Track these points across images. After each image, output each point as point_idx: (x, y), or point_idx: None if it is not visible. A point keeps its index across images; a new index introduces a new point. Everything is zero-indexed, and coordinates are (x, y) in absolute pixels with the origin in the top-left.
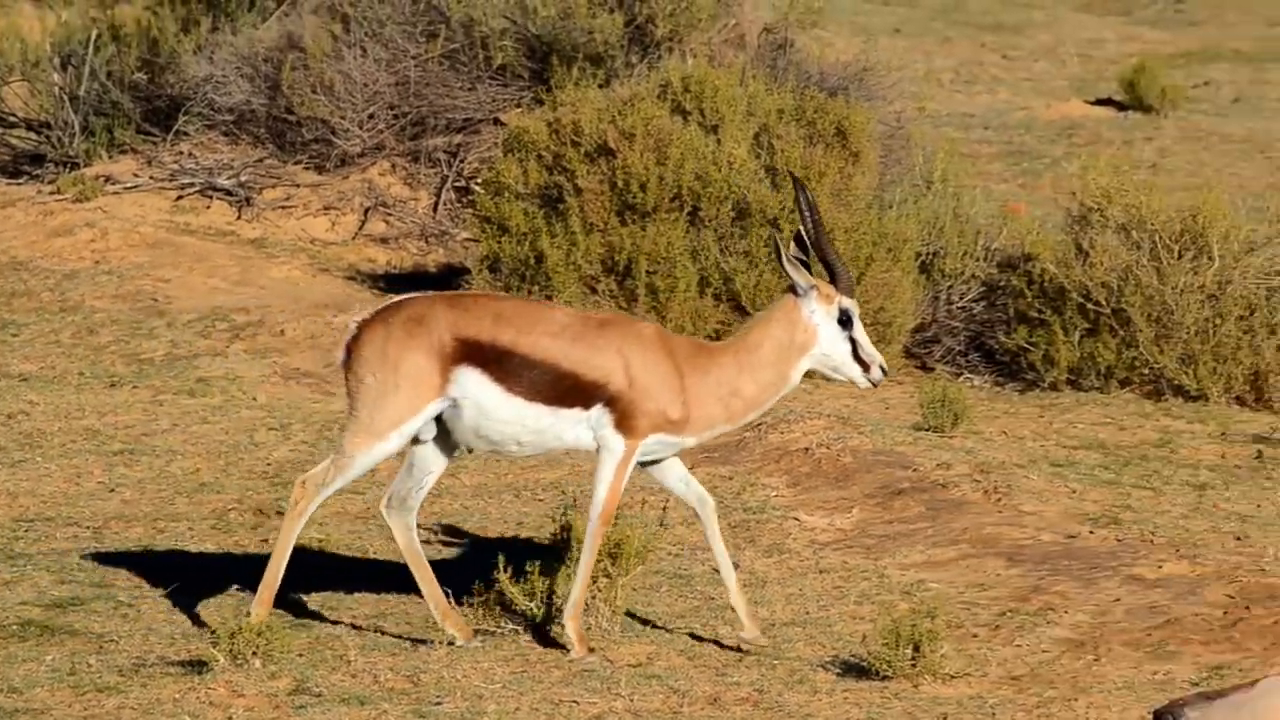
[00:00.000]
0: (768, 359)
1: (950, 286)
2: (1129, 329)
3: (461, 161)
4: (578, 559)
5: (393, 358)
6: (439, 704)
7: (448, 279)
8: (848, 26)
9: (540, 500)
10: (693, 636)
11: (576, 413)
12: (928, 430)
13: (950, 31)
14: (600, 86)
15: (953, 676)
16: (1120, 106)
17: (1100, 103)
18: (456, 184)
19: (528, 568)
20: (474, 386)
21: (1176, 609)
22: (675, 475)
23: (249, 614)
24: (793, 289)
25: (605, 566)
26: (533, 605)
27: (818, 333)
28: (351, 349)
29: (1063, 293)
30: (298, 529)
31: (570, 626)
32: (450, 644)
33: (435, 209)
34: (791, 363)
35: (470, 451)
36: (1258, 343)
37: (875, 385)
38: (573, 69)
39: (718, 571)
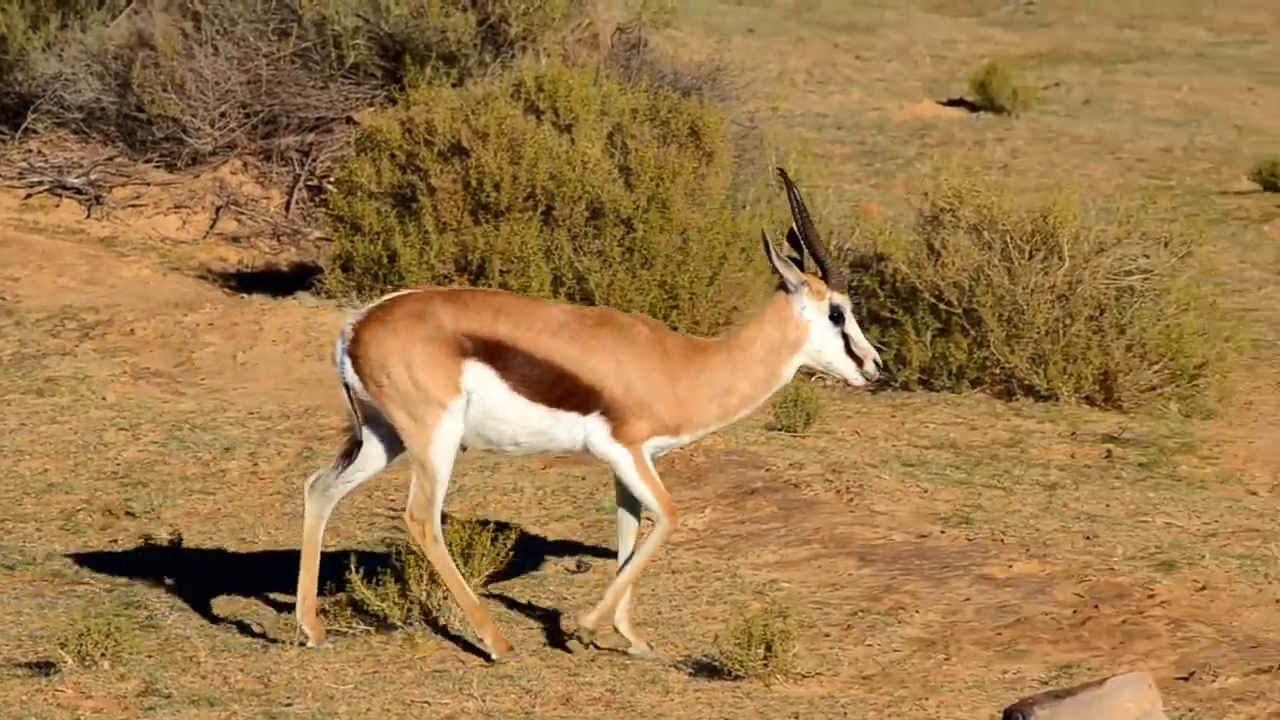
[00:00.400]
0: (760, 356)
1: None
2: (980, 329)
3: (314, 160)
4: (428, 559)
5: (399, 353)
6: (289, 705)
7: (300, 278)
8: (701, 26)
9: (392, 500)
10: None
11: (574, 417)
12: (780, 430)
13: (804, 32)
14: (454, 86)
15: (804, 676)
16: (972, 107)
17: (952, 103)
18: (309, 183)
19: (380, 568)
20: (481, 383)
21: (1026, 608)
22: (631, 508)
23: (482, 641)
24: (784, 286)
25: (457, 566)
26: (385, 606)
27: (810, 329)
28: (354, 355)
29: (914, 293)
30: (444, 553)
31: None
32: (301, 644)
33: (287, 208)
34: (784, 359)
35: (464, 449)
36: (1107, 343)
37: (869, 380)
38: (426, 68)
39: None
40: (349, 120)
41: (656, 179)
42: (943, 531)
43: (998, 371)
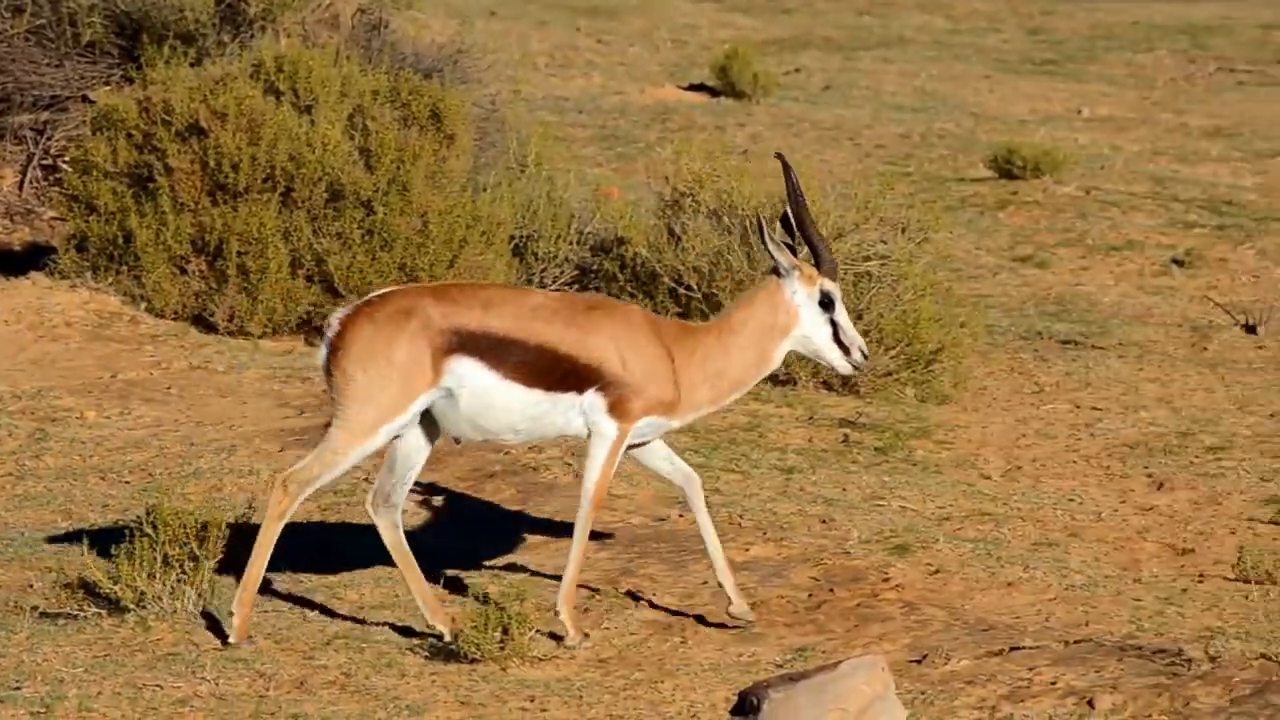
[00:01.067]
0: (750, 339)
1: (544, 269)
2: (719, 313)
3: (48, 139)
4: (165, 542)
5: (383, 352)
6: (18, 689)
7: (34, 258)
8: (443, 8)
9: (127, 483)
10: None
11: (571, 398)
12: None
13: (546, 15)
14: (192, 65)
15: (541, 659)
16: (713, 92)
17: (694, 88)
18: (43, 162)
19: (113, 551)
20: (473, 376)
21: (762, 591)
22: (660, 456)
23: (230, 613)
24: (775, 270)
25: (192, 549)
26: (117, 589)
27: (799, 314)
28: (336, 346)
29: (655, 277)
30: (277, 531)
31: (564, 612)
32: (439, 638)
33: (21, 187)
34: (774, 343)
35: (458, 443)
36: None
37: (856, 369)
38: (164, 47)
39: (705, 549)
40: (85, 99)
41: (397, 161)
42: (680, 515)
43: None
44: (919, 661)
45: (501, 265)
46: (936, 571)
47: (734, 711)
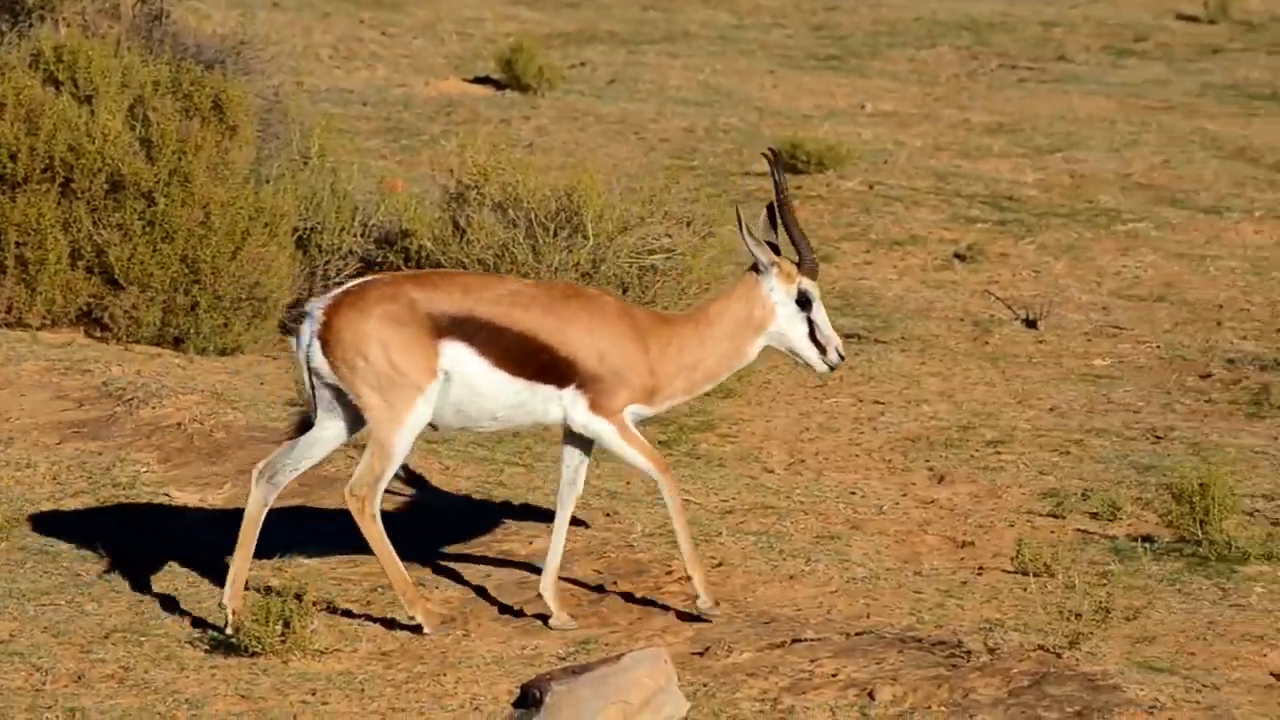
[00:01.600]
0: (726, 333)
1: (328, 262)
2: None
3: None
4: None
5: (377, 335)
6: None
7: None
8: None
9: None
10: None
11: (550, 390)
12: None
13: (329, 7)
14: None
15: (322, 652)
16: (498, 85)
17: (478, 81)
18: None
19: None
20: (462, 361)
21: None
22: (578, 450)
23: (412, 618)
24: (755, 266)
25: None
26: None
27: (775, 311)
28: (326, 339)
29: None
30: (380, 529)
31: (696, 577)
32: (225, 627)
33: None
34: (748, 339)
35: (434, 429)
36: None
37: (832, 369)
38: None
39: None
40: None
41: (178, 152)
42: (467, 506)
43: None
44: (701, 654)
45: (285, 258)
46: (719, 564)
47: (516, 704)
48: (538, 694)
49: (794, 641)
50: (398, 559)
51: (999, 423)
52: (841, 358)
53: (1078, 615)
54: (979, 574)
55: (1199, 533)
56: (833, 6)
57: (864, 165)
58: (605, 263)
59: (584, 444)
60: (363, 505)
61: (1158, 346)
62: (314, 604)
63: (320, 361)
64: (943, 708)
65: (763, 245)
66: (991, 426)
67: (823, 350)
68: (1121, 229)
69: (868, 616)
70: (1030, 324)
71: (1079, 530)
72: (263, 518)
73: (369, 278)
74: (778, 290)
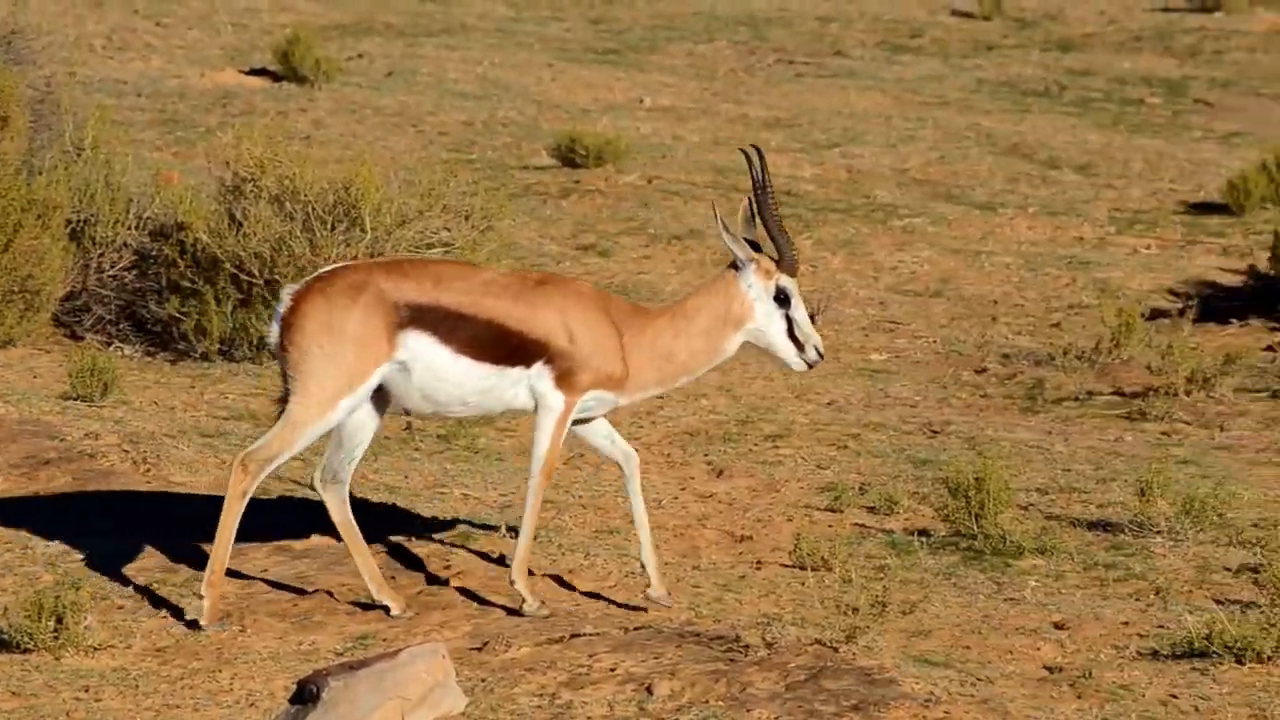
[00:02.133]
0: (702, 328)
1: (102, 254)
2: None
3: None
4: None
5: (337, 325)
6: None
7: None
8: None
9: None
10: None
11: (519, 372)
12: (76, 400)
13: None
14: None
15: (96, 648)
16: (275, 77)
17: (255, 72)
18: None
19: None
20: (423, 349)
21: (323, 579)
22: (601, 434)
23: (199, 595)
24: (734, 263)
25: None
26: None
27: (753, 307)
28: (289, 321)
29: (216, 263)
30: (240, 510)
31: (519, 582)
32: (388, 611)
33: None
34: (725, 334)
35: (408, 414)
36: None
37: (810, 366)
38: None
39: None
40: None
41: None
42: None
43: None
44: (480, 649)
45: (58, 250)
46: (498, 558)
47: (293, 700)
48: (314, 690)
49: (573, 636)
50: (230, 544)
51: (777, 417)
52: (820, 355)
53: (855, 609)
54: (757, 568)
55: (974, 527)
56: (611, 0)
57: (643, 159)
58: (384, 256)
59: (599, 424)
60: (242, 479)
61: (934, 341)
62: (89, 599)
63: (275, 341)
64: (720, 702)
65: (740, 241)
66: (770, 421)
67: (801, 347)
68: (898, 224)
69: (646, 611)
70: (809, 318)
71: (856, 524)
72: (350, 515)
73: (343, 263)
74: (756, 287)
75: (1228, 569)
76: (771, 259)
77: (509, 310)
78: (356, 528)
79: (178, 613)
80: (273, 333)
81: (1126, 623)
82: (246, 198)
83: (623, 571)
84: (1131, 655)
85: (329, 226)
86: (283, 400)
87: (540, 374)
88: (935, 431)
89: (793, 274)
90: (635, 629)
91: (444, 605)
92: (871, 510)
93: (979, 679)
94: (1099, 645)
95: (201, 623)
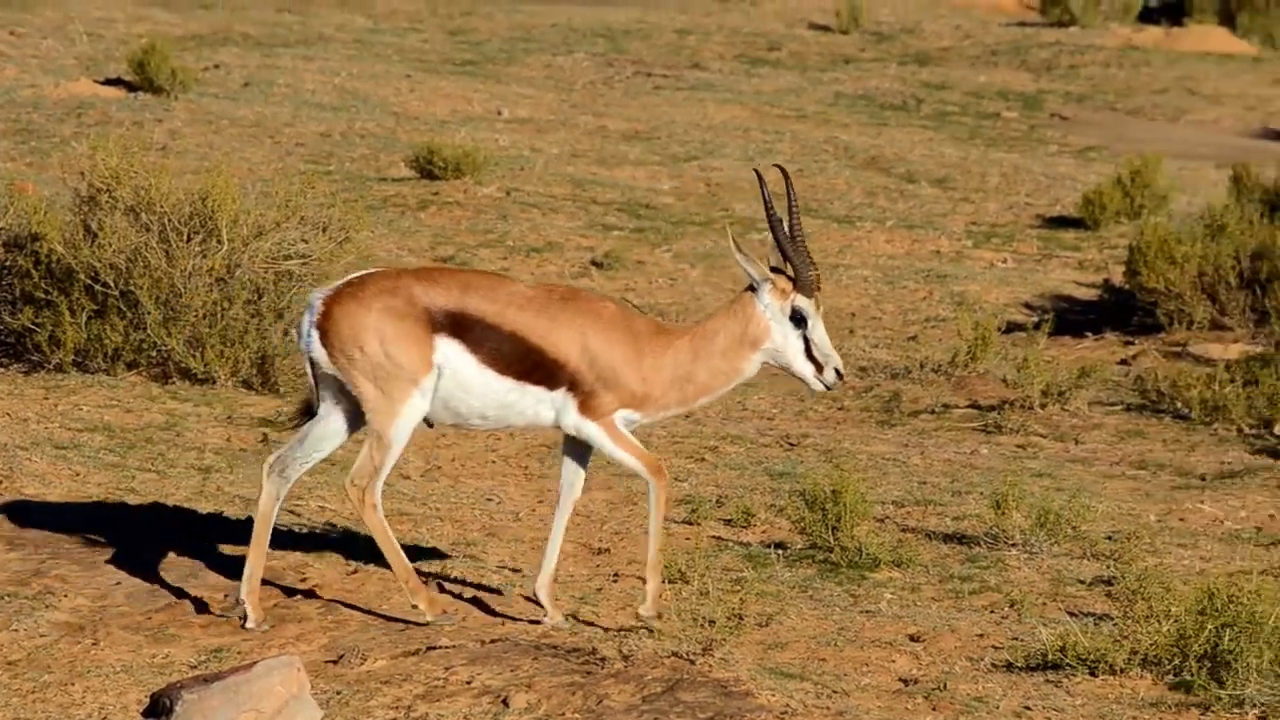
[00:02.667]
0: (721, 348)
1: None
2: (137, 311)
3: None
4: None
5: (374, 327)
6: None
7: None
8: None
9: None
10: None
11: (540, 391)
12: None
13: None
14: None
15: None
16: (130, 87)
17: (110, 83)
18: None
19: None
20: (452, 357)
21: (179, 591)
22: (576, 454)
23: (415, 607)
24: (751, 284)
25: None
26: None
27: (770, 328)
28: (325, 329)
29: (70, 274)
30: (381, 518)
31: (652, 581)
32: (241, 622)
33: None
34: (744, 355)
35: (430, 425)
36: (265, 326)
37: (829, 388)
38: None
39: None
40: None
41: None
42: (98, 512)
43: (154, 354)
44: (335, 661)
45: None
46: (354, 571)
47: (146, 713)
48: (168, 703)
49: (429, 649)
50: (399, 548)
51: (636, 431)
52: (840, 376)
53: (711, 622)
54: (615, 580)
55: (831, 539)
56: (469, 12)
57: (501, 171)
58: (240, 268)
59: (581, 453)
60: (363, 495)
61: None
62: None
63: (319, 352)
64: (576, 714)
65: (754, 262)
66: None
67: (820, 368)
68: (756, 237)
69: (503, 624)
70: None
71: (713, 537)
72: (275, 513)
73: (372, 270)
74: (772, 307)
75: (1081, 581)
76: (789, 279)
77: (531, 324)
78: (270, 528)
79: (31, 625)
80: (305, 340)
81: (981, 635)
82: (102, 209)
83: (479, 584)
84: (986, 667)
85: (185, 238)
86: (304, 412)
87: (565, 405)
88: (792, 444)
89: (809, 294)
90: (492, 641)
91: (300, 618)
92: (728, 523)
93: (835, 691)
94: (954, 657)
95: (427, 617)
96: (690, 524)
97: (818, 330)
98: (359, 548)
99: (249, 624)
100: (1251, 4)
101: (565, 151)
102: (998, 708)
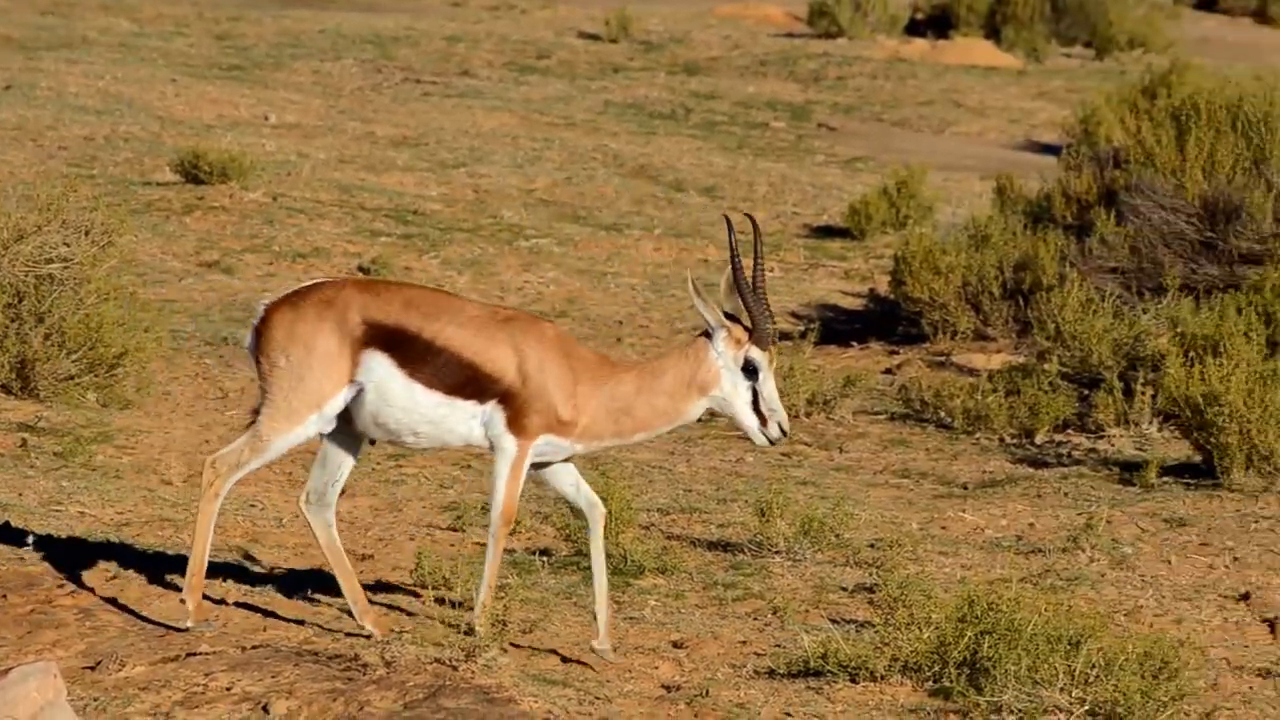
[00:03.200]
0: (666, 389)
1: None
2: None
3: None
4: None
5: (304, 339)
6: None
7: None
8: None
9: None
10: None
11: (471, 406)
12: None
13: None
14: None
15: None
16: None
17: None
18: None
19: None
20: (378, 371)
21: None
22: (567, 480)
23: (183, 601)
24: (706, 329)
25: None
26: None
27: (720, 375)
28: (261, 332)
29: None
30: (214, 511)
31: (480, 627)
32: (367, 638)
33: None
34: (690, 398)
35: (372, 443)
36: (25, 331)
37: (772, 442)
38: None
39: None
40: None
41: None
42: None
43: None
44: (93, 668)
45: None
46: (114, 577)
47: None
48: None
49: (189, 655)
50: (207, 545)
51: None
52: (784, 433)
53: (474, 629)
54: (378, 587)
55: None
56: (236, 16)
57: (267, 177)
58: (1, 271)
59: (566, 471)
60: (214, 482)
61: None
62: None
63: (250, 353)
64: None
65: (711, 307)
66: (392, 441)
67: (764, 421)
68: (524, 245)
69: (264, 630)
70: None
71: (478, 544)
72: (336, 537)
73: (318, 280)
74: (725, 355)
75: (844, 588)
76: (745, 329)
77: (467, 341)
78: (342, 551)
79: None
80: (247, 340)
81: (744, 641)
82: None
83: (241, 590)
84: (749, 674)
85: None
86: (255, 411)
87: (493, 416)
88: None
89: (764, 347)
90: (253, 647)
91: (57, 624)
92: None
93: (597, 697)
94: (717, 664)
95: (188, 624)
96: (455, 530)
97: (768, 384)
98: (120, 554)
99: (376, 637)
100: (1016, 18)
101: (333, 157)
102: (759, 714)
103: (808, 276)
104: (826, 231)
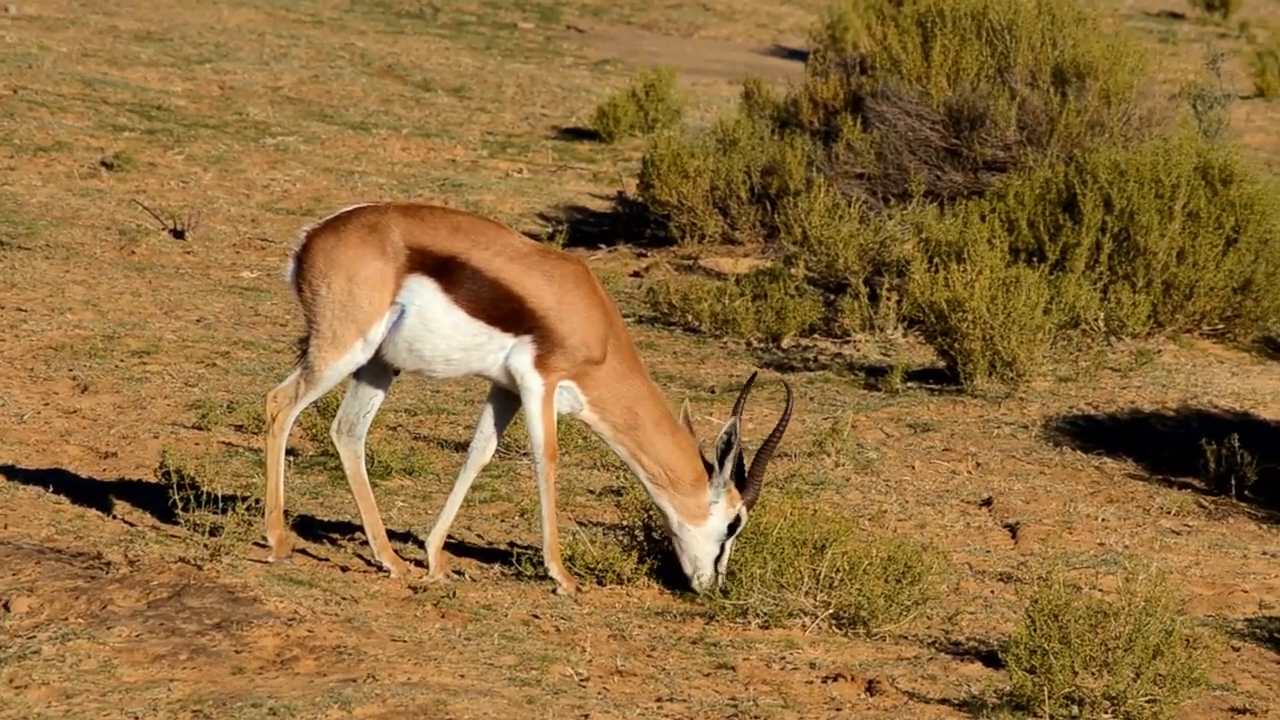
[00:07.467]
0: (673, 445)
1: None
2: None
3: None
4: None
5: (346, 265)
6: None
7: None
8: None
9: None
10: None
11: (507, 338)
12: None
13: None
14: None
15: None
16: None
17: None
18: None
19: None
20: (422, 295)
21: None
22: (495, 418)
23: (264, 538)
24: (710, 470)
25: None
26: None
27: (709, 518)
28: (302, 259)
29: None
30: (282, 444)
31: (554, 568)
32: (384, 573)
33: None
34: (676, 496)
35: (396, 373)
36: None
37: (697, 590)
38: None
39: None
40: None
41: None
42: None
43: None
44: None
45: None
46: None
47: None
48: None
49: None
50: (281, 479)
51: (145, 333)
52: (709, 589)
53: (219, 528)
54: (121, 485)
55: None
56: None
57: (8, 69)
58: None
59: (504, 413)
60: (276, 416)
61: None
62: None
63: (290, 280)
64: (80, 619)
65: (729, 464)
66: (137, 337)
67: (715, 574)
68: (270, 142)
69: (5, 527)
70: (178, 234)
71: (224, 443)
72: (364, 470)
73: (362, 204)
74: (720, 505)
75: (591, 491)
76: (739, 491)
77: (514, 272)
78: (368, 484)
79: None
80: (288, 270)
81: (491, 544)
82: None
83: None
84: (495, 575)
85: None
86: (303, 341)
87: (521, 350)
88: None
89: (746, 512)
90: None
91: None
92: (239, 429)
93: (344, 598)
94: (464, 565)
95: (271, 559)
96: (200, 429)
97: (732, 546)
98: None
99: (394, 575)
100: None
101: (75, 50)
102: (506, 615)
103: (556, 179)
104: (575, 134)
